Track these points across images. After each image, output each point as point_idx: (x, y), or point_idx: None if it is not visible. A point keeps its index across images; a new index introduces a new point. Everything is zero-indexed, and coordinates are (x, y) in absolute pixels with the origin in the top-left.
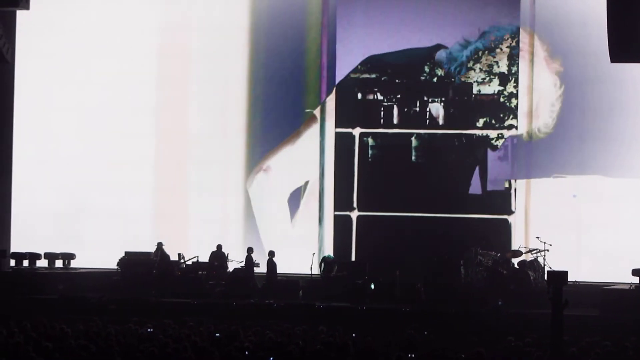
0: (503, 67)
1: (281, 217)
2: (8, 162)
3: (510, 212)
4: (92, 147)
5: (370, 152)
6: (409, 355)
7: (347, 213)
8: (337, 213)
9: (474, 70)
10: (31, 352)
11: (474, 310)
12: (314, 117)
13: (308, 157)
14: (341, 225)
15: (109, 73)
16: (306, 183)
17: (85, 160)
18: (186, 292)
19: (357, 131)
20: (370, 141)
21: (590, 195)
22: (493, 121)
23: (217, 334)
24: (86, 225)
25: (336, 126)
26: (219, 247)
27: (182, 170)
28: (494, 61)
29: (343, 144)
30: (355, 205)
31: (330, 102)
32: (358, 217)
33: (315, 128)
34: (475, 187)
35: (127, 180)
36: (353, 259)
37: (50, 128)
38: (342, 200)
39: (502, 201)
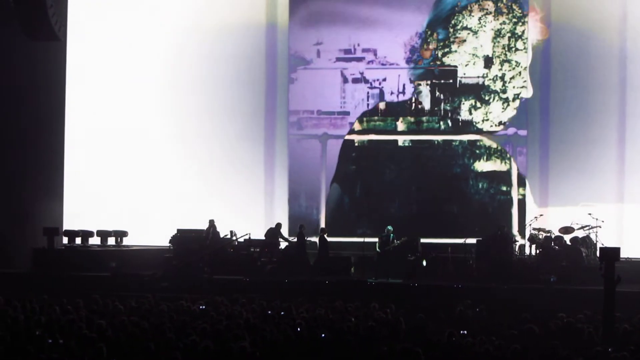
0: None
1: None
2: (61, 139)
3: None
4: (145, 125)
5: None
6: (461, 332)
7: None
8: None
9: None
10: (84, 329)
11: (526, 286)
12: None
13: None
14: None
15: (160, 52)
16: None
17: (138, 137)
18: (238, 269)
19: (325, 136)
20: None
21: None
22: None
23: (269, 311)
24: (139, 202)
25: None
26: (279, 225)
27: (234, 147)
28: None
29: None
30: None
31: None
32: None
33: None
34: None
35: (179, 156)
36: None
37: (102, 105)
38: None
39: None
